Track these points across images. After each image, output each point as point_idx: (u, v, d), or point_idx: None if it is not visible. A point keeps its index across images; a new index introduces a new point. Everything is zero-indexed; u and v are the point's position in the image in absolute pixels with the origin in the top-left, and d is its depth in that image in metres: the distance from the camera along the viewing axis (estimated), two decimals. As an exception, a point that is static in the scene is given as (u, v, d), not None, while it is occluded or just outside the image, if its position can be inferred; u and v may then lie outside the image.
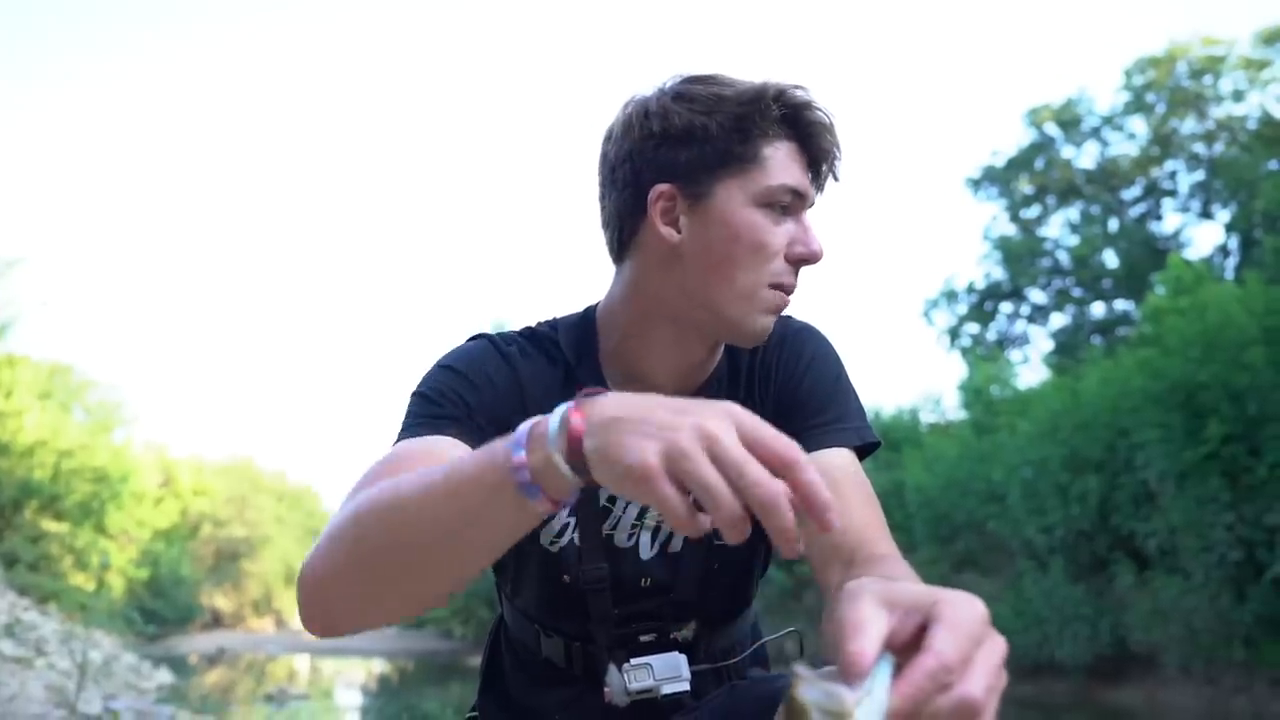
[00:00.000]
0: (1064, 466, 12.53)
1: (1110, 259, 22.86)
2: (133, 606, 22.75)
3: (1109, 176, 23.14)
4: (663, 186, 1.09)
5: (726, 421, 0.61)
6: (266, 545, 38.63)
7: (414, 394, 1.11)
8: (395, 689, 15.15)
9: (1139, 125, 22.76)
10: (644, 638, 1.15)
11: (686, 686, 1.12)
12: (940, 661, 0.54)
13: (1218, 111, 21.53)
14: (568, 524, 1.13)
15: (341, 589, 0.85)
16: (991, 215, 25.67)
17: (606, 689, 1.12)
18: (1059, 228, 24.02)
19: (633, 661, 1.11)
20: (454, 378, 1.10)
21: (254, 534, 37.94)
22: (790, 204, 1.09)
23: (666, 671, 1.11)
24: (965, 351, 23.18)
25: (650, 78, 1.16)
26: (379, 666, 20.54)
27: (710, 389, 1.18)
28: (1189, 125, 22.05)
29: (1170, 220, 23.03)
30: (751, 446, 0.60)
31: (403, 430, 1.05)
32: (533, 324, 1.23)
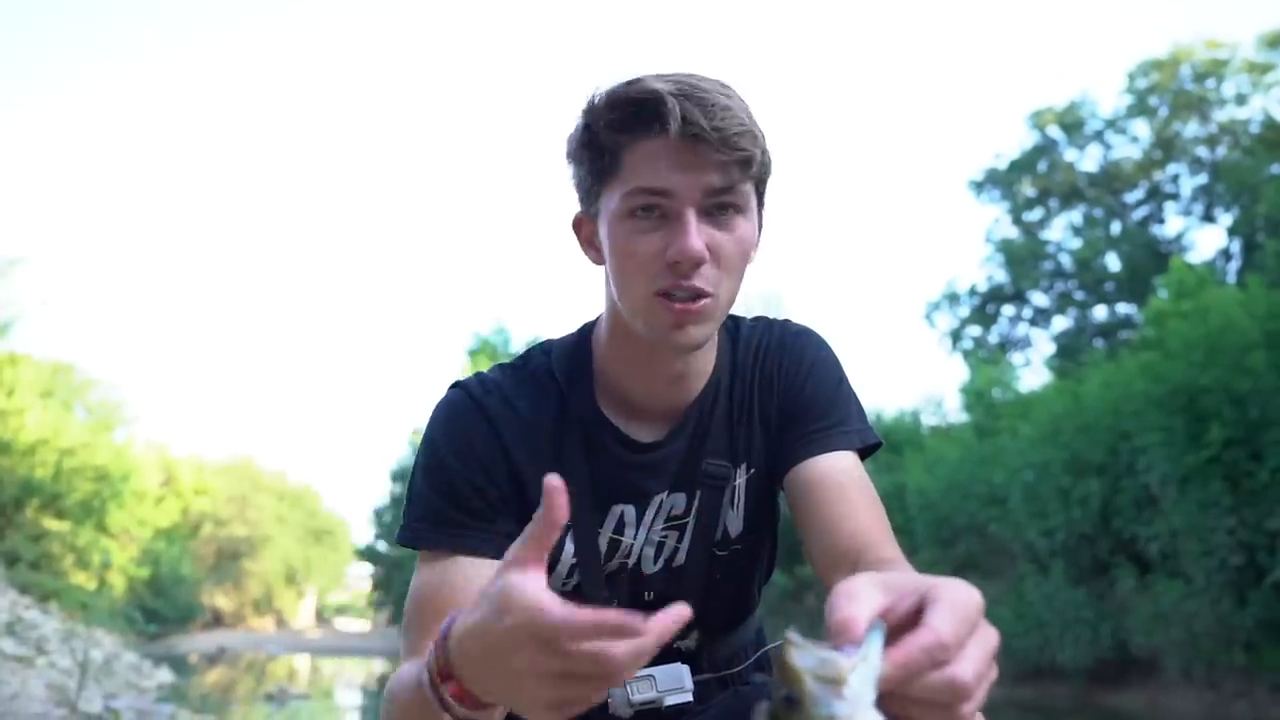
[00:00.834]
0: (1066, 470, 12.52)
1: (1113, 262, 22.85)
2: (134, 605, 22.77)
3: (1111, 179, 23.13)
4: (577, 213, 1.13)
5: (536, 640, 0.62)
6: (267, 545, 38.66)
7: (414, 480, 1.13)
8: (395, 689, 15.15)
9: (1142, 128, 22.77)
10: None
11: (690, 697, 1.12)
12: (936, 638, 0.53)
13: (1221, 115, 21.52)
14: (573, 565, 1.14)
15: None
16: (994, 218, 25.64)
17: (609, 701, 1.11)
18: (1061, 230, 24.03)
19: (636, 673, 1.10)
20: (446, 471, 1.10)
21: (255, 533, 37.97)
22: (659, 204, 1.02)
23: (669, 683, 1.11)
24: (967, 354, 23.17)
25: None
26: (379, 666, 20.53)
27: (704, 401, 1.17)
28: (1192, 128, 22.04)
29: (1173, 224, 23.04)
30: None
31: (412, 536, 1.09)
32: (528, 349, 1.23)
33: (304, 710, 11.21)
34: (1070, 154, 23.70)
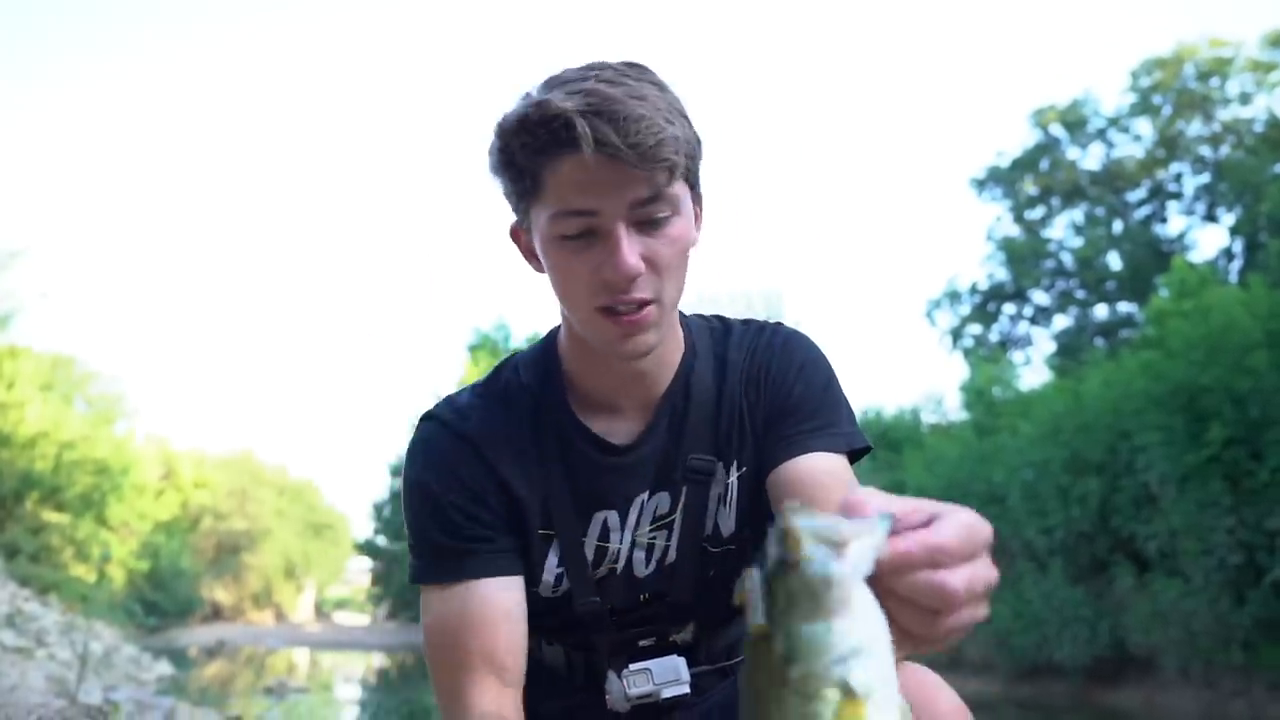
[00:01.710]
0: (1065, 468, 12.52)
1: (1114, 261, 22.82)
2: (133, 598, 22.85)
3: (1114, 178, 23.10)
4: (513, 224, 1.13)
5: None
6: (267, 538, 38.71)
7: (409, 522, 1.14)
8: (394, 684, 15.18)
9: (1145, 127, 22.72)
10: (643, 642, 1.16)
11: (686, 689, 1.12)
12: (939, 542, 0.53)
13: (1224, 114, 21.48)
14: (560, 574, 1.14)
15: None
16: (995, 216, 25.61)
17: (607, 696, 1.13)
18: (1063, 229, 24.00)
19: (632, 667, 1.12)
20: (435, 502, 1.11)
21: (255, 527, 38.00)
22: (588, 224, 1.01)
23: (666, 675, 1.12)
24: (967, 352, 23.16)
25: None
26: (378, 661, 20.57)
27: (673, 398, 1.17)
28: (1195, 127, 22.00)
29: (1175, 223, 23.00)
30: None
31: (424, 571, 1.11)
32: (496, 366, 1.23)
33: (303, 704, 11.23)
34: (1073, 152, 23.66)
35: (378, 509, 35.38)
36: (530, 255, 1.12)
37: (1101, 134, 23.31)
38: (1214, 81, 21.29)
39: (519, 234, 1.13)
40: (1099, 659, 11.87)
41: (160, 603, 25.93)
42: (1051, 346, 23.60)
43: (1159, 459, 10.92)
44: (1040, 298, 24.19)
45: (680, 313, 1.19)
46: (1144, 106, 22.33)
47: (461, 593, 1.06)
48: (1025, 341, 24.30)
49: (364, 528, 40.18)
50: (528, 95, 1.03)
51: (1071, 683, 12.05)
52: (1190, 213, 22.58)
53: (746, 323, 1.24)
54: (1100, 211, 23.41)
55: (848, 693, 0.49)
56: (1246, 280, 12.68)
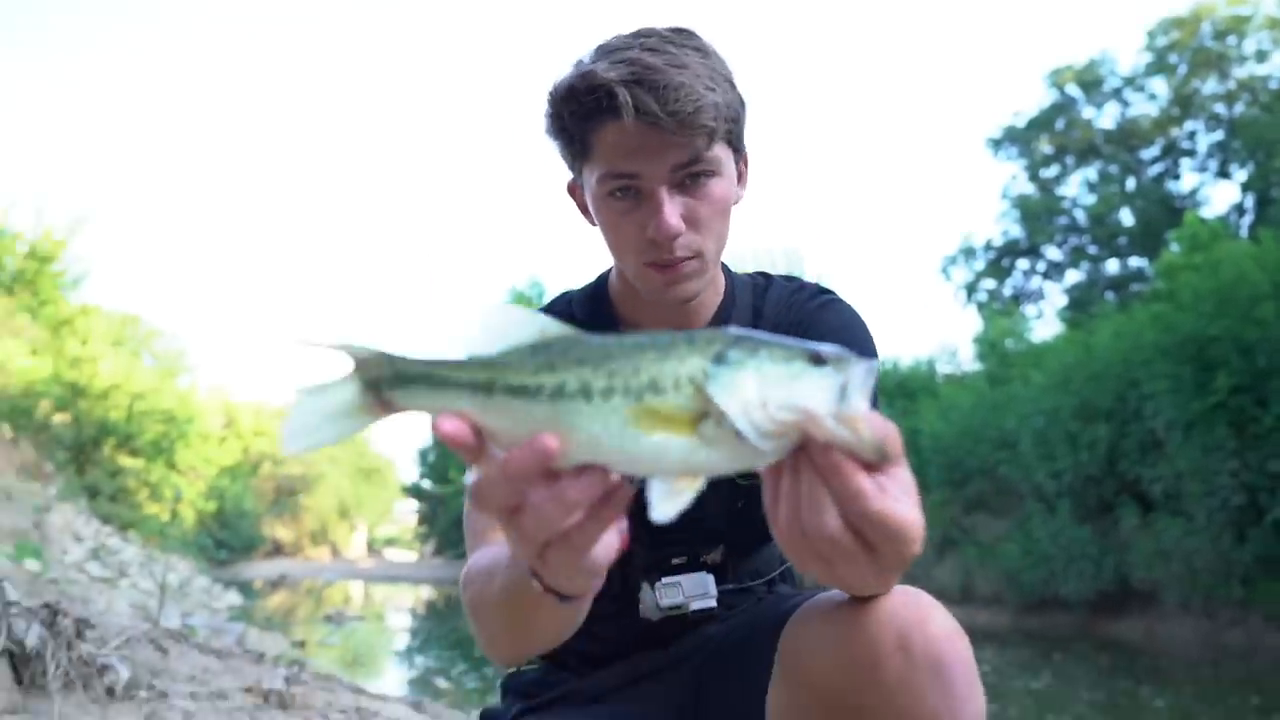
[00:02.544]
0: (1074, 415, 12.46)
1: (1126, 217, 22.40)
2: (203, 535, 23.40)
3: (1128, 136, 22.57)
4: (570, 180, 1.15)
5: None
6: (321, 482, 39.31)
7: None
8: (441, 612, 15.47)
9: (1160, 86, 22.14)
10: (675, 560, 1.16)
11: (714, 603, 1.14)
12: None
13: (1240, 72, 20.84)
14: None
15: (496, 656, 1.02)
16: (1011, 174, 25.24)
17: (640, 605, 1.14)
18: (1077, 187, 23.57)
19: (664, 580, 1.13)
20: None
21: (310, 472, 38.59)
22: (632, 185, 1.03)
23: (695, 589, 1.13)
24: (981, 306, 22.96)
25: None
26: (426, 593, 20.96)
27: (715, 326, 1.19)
28: (1210, 86, 21.38)
29: (1187, 179, 22.50)
30: None
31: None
32: (551, 299, 1.26)
33: (359, 630, 11.51)
34: (1088, 112, 23.13)
35: (422, 455, 35.88)
36: (585, 210, 1.15)
37: (1117, 93, 22.75)
38: (1231, 40, 20.65)
39: (575, 190, 1.15)
40: (1103, 593, 11.91)
41: (227, 539, 26.52)
42: (1063, 300, 23.32)
43: (1166, 406, 10.84)
44: (1053, 253, 23.85)
45: (726, 266, 1.21)
46: (1160, 65, 21.74)
47: None
48: (1038, 296, 24.03)
49: (410, 473, 40.78)
50: (579, 63, 1.05)
51: (1076, 615, 12.11)
52: (1203, 169, 22.06)
53: (789, 280, 1.25)
54: (1114, 169, 22.94)
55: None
56: (1257, 235, 12.44)
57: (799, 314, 1.18)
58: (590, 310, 1.22)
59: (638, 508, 1.18)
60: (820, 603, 0.99)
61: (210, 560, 21.71)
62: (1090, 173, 23.35)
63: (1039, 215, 23.20)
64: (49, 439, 15.11)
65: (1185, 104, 21.74)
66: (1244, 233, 17.26)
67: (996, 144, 24.37)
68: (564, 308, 1.24)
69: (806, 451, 0.62)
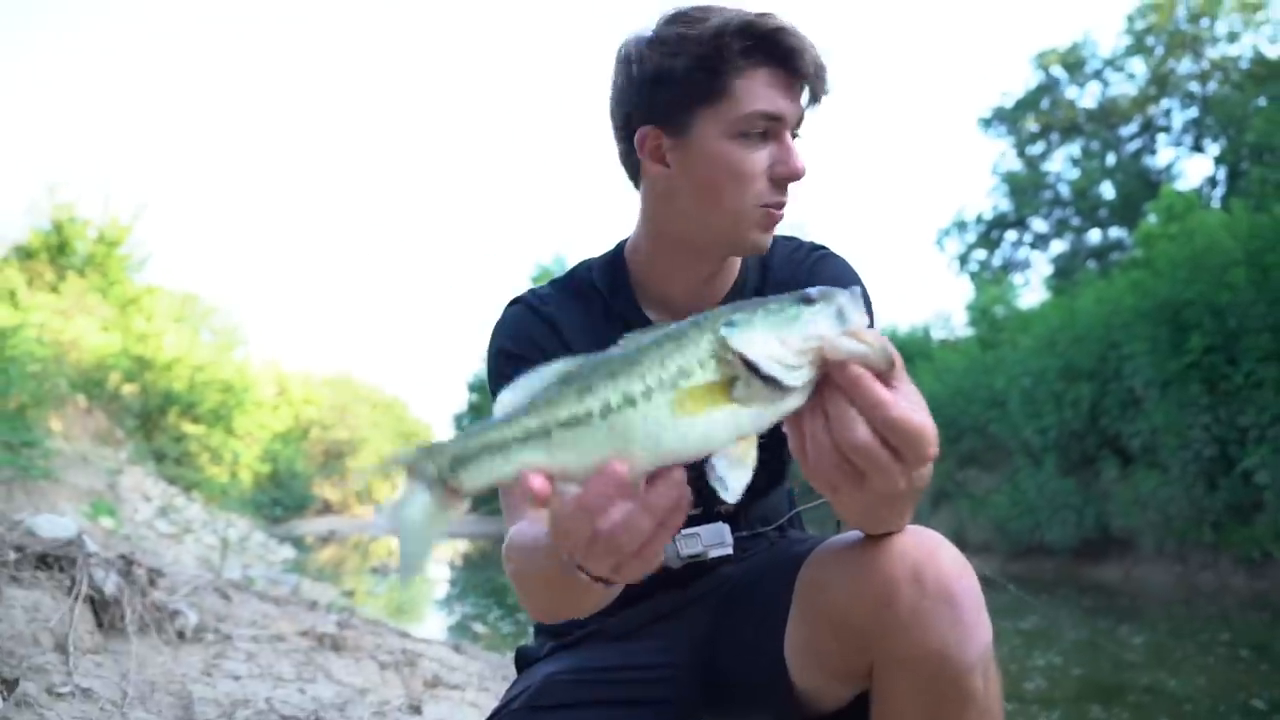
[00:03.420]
0: (1059, 376, 12.38)
1: (1107, 191, 22.11)
2: (260, 495, 23.68)
3: (1109, 115, 22.22)
4: (647, 128, 1.07)
5: None
6: (365, 445, 39.64)
7: (492, 386, 1.13)
8: (478, 564, 15.63)
9: (1138, 66, 21.76)
10: (692, 511, 1.17)
11: (730, 550, 1.14)
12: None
13: (1213, 52, 20.45)
14: None
15: (541, 617, 1.00)
16: (1000, 151, 24.86)
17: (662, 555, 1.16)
18: (1061, 162, 23.28)
19: (683, 532, 1.13)
20: (515, 362, 1.07)
21: (354, 436, 38.89)
22: (768, 128, 1.03)
23: (713, 538, 1.13)
24: (973, 275, 22.79)
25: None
26: (464, 546, 21.17)
27: (731, 297, 1.17)
28: (1185, 65, 21.00)
29: (1164, 154, 22.19)
30: None
31: None
32: (572, 268, 1.23)
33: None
34: (1071, 91, 22.78)
35: (457, 419, 36.11)
36: (657, 157, 1.08)
37: (1098, 74, 22.37)
38: (1204, 22, 20.24)
39: (652, 136, 1.07)
40: (1085, 540, 11.89)
41: (281, 498, 26.81)
42: (1049, 269, 23.11)
43: (1144, 366, 10.76)
44: (1039, 225, 23.60)
45: None
46: (1138, 47, 21.35)
47: None
48: (1025, 265, 23.82)
49: (446, 435, 41.07)
50: (729, 14, 1.02)
51: (1060, 561, 12.10)
52: (1178, 145, 21.73)
53: (789, 239, 1.24)
54: (1095, 145, 22.62)
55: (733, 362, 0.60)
56: (1229, 205, 12.25)
57: (801, 269, 1.18)
58: (609, 278, 1.19)
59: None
60: (836, 543, 1.00)
61: (266, 518, 21.97)
62: (1073, 149, 23.06)
63: (1026, 190, 22.95)
64: (119, 408, 15.28)
65: (1162, 83, 21.37)
66: (1216, 204, 16.99)
67: (986, 123, 24.08)
68: (585, 274, 1.21)
69: (827, 378, 0.63)
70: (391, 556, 16.32)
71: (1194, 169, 31.88)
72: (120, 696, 1.76)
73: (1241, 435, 9.75)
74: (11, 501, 6.87)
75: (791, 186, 1.06)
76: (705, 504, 1.15)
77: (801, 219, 21.82)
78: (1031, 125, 23.16)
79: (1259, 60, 19.17)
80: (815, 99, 1.05)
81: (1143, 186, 20.43)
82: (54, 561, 2.10)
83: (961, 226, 24.19)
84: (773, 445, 1.22)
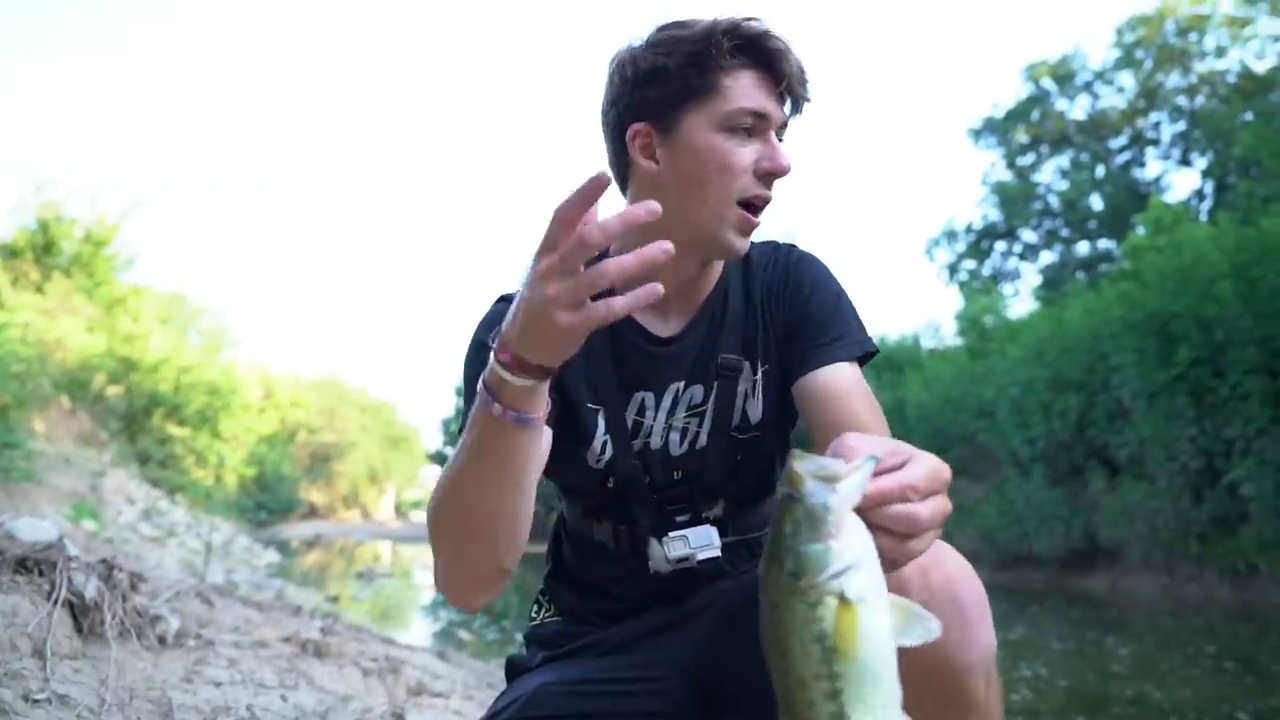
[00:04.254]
0: (1048, 386, 12.44)
1: (1096, 202, 22.26)
2: (245, 499, 23.51)
3: (1098, 127, 22.40)
4: (638, 125, 1.10)
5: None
6: (352, 449, 39.44)
7: (465, 374, 1.13)
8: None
9: (1127, 79, 21.94)
10: (679, 518, 1.16)
11: (718, 553, 1.13)
12: (911, 481, 0.61)
13: (1201, 67, 20.64)
14: (605, 441, 1.15)
15: (449, 566, 1.00)
16: (990, 162, 25.07)
17: (650, 560, 1.14)
18: (1051, 174, 23.42)
19: (671, 535, 1.13)
20: (484, 353, 1.06)
21: (342, 440, 38.69)
22: (754, 125, 1.07)
23: (700, 541, 1.13)
24: (962, 285, 22.87)
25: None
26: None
27: (713, 304, 1.18)
28: (1174, 79, 21.19)
29: (1152, 167, 22.34)
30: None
31: (465, 410, 1.08)
32: None
33: (388, 586, 11.56)
34: (1061, 103, 22.94)
35: (446, 424, 35.98)
36: (647, 153, 1.11)
37: (1088, 86, 22.54)
38: (1192, 36, 20.43)
39: (643, 133, 1.11)
40: (1072, 550, 11.94)
41: (267, 502, 26.60)
42: (1038, 279, 23.23)
43: (1132, 377, 10.82)
44: (1029, 236, 23.73)
45: None
46: (1127, 60, 21.53)
47: None
48: (1014, 275, 23.93)
49: (435, 440, 40.91)
50: (719, 18, 1.07)
51: (1047, 571, 12.15)
52: (1167, 158, 21.91)
53: (765, 243, 1.24)
54: (1085, 157, 22.78)
55: (843, 600, 0.55)
56: (1216, 218, 12.35)
57: (781, 271, 1.19)
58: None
59: (642, 473, 1.17)
60: None
61: (251, 521, 21.83)
62: (1063, 161, 23.21)
63: (1016, 200, 23.08)
64: (104, 409, 15.17)
65: (1150, 97, 21.56)
66: (1204, 217, 17.14)
67: (977, 134, 24.22)
68: None
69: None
70: (377, 562, 16.23)
71: (1182, 182, 32.24)
72: (98, 703, 1.74)
73: (1228, 447, 9.82)
74: (-8, 503, 6.79)
75: (776, 187, 1.09)
76: (693, 510, 1.17)
77: (792, 226, 21.91)
78: (1021, 136, 23.31)
79: (1246, 75, 19.37)
80: (797, 106, 1.09)
81: (1131, 198, 20.57)
82: (34, 565, 2.07)
83: (951, 236, 24.32)
84: (761, 454, 1.21)
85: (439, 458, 37.78)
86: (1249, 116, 17.23)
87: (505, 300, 1.19)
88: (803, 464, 0.58)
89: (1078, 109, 22.82)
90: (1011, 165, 23.80)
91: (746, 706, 1.06)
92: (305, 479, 35.55)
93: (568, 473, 1.18)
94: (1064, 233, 23.09)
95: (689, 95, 1.07)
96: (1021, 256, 23.95)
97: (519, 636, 1.29)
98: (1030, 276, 23.69)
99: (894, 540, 0.61)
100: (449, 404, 35.68)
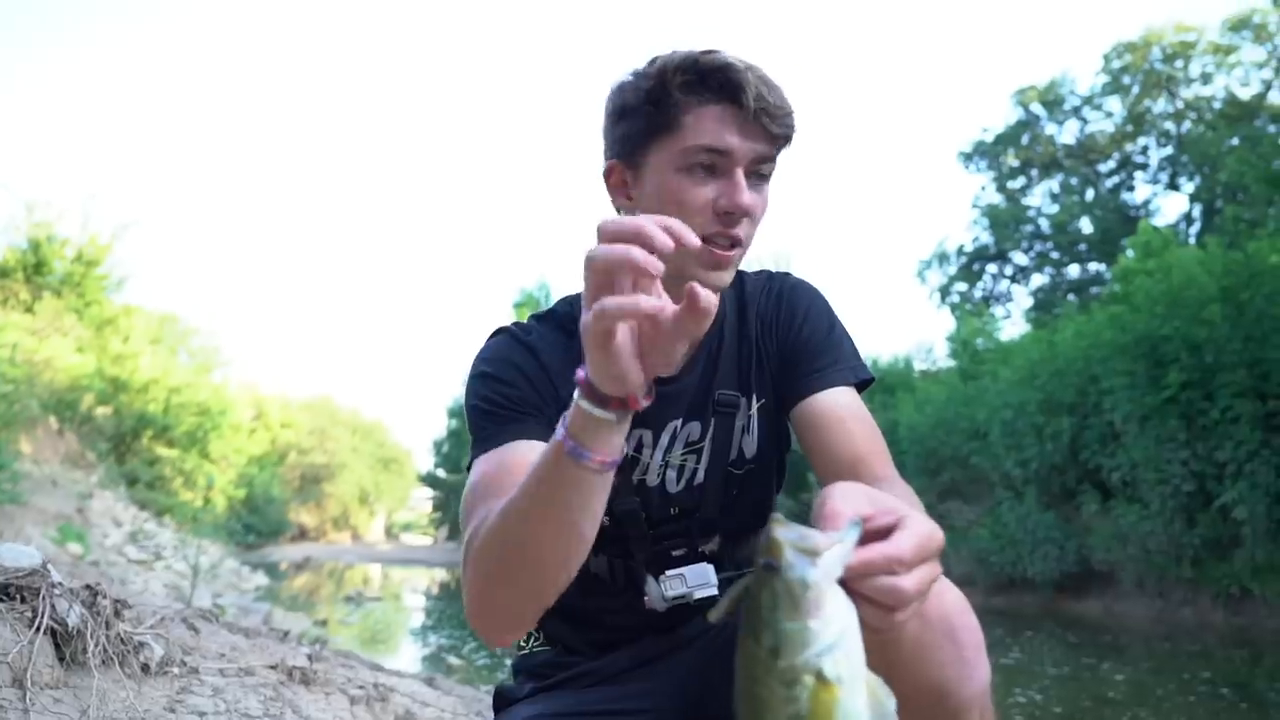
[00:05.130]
0: (1040, 409, 12.45)
1: (1086, 225, 22.43)
2: (233, 520, 23.29)
3: (1087, 151, 22.61)
4: (610, 162, 1.09)
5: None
6: (343, 471, 39.23)
7: (468, 409, 1.12)
8: (454, 593, 15.42)
9: (1115, 105, 22.19)
10: (675, 552, 1.15)
11: (715, 591, 1.12)
12: (897, 552, 0.58)
13: (1187, 92, 20.91)
14: None
15: (487, 604, 0.93)
16: (981, 186, 25.21)
17: (646, 597, 1.13)
18: (1041, 197, 23.62)
19: (668, 573, 1.12)
20: (493, 383, 1.09)
21: (333, 461, 38.50)
22: (714, 162, 1.02)
23: (697, 579, 1.12)
24: (954, 307, 22.94)
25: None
26: (440, 575, 20.92)
27: (709, 339, 1.17)
28: (1161, 105, 21.45)
29: (1141, 191, 22.57)
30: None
31: (475, 446, 1.07)
32: (555, 303, 1.22)
33: (377, 610, 11.45)
34: (1050, 128, 23.17)
35: (437, 445, 35.80)
36: (620, 192, 1.10)
37: (1076, 111, 22.79)
38: (1178, 63, 20.70)
39: (617, 171, 1.10)
40: (1066, 574, 11.90)
41: (255, 524, 26.37)
42: (1029, 302, 23.36)
43: (1123, 400, 10.84)
44: (1020, 258, 23.87)
45: None
46: (1115, 86, 21.77)
47: (500, 450, 1.03)
48: (1006, 298, 24.04)
49: (426, 462, 40.63)
50: (679, 53, 1.04)
51: (1041, 595, 12.10)
52: (1155, 182, 22.13)
53: (758, 273, 1.24)
54: (1074, 181, 22.98)
55: (822, 680, 0.53)
56: (1204, 242, 12.45)
57: (774, 301, 1.18)
58: None
59: (640, 510, 1.16)
60: None
61: (239, 544, 21.63)
62: (1053, 184, 23.41)
63: (1006, 223, 23.23)
64: (92, 430, 15.06)
65: (1138, 121, 21.80)
66: (1192, 240, 17.29)
67: (967, 157, 24.41)
68: (566, 309, 1.20)
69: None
70: (367, 585, 16.11)
71: (1170, 206, 32.53)
72: (79, 734, 1.70)
73: (1219, 470, 9.84)
74: (-24, 526, 6.71)
75: (743, 225, 1.04)
76: (689, 544, 1.16)
77: (785, 250, 21.97)
78: (1011, 160, 23.52)
79: (1231, 101, 19.62)
80: (776, 139, 1.03)
81: (1121, 222, 20.75)
82: (16, 591, 2.04)
83: (943, 259, 24.42)
84: (757, 488, 1.21)
85: (430, 479, 37.58)
86: (1234, 142, 17.42)
87: (500, 332, 1.18)
88: (784, 532, 0.56)
89: (1067, 133, 23.07)
90: (1002, 189, 23.98)
91: None
92: (295, 500, 35.33)
93: None
94: (1054, 255, 23.24)
95: (651, 134, 1.04)
96: (1012, 279, 24.09)
97: (508, 662, 1.26)
98: (1021, 299, 23.84)
99: (878, 611, 0.59)
100: (441, 425, 35.57)
